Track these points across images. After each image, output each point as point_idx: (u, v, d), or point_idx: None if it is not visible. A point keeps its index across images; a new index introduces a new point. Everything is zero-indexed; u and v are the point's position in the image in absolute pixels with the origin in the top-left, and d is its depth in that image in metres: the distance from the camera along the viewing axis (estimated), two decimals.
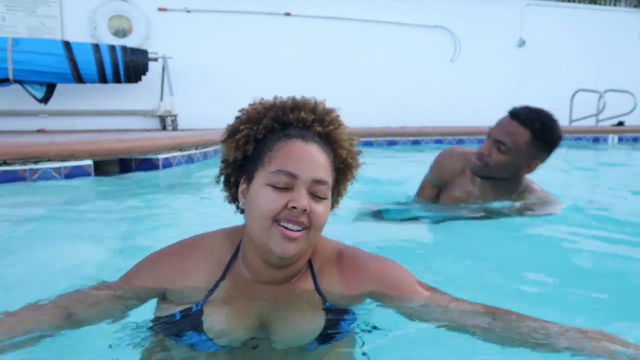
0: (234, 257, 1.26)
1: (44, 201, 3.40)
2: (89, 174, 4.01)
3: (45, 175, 3.80)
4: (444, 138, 8.10)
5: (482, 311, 1.21)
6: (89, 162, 4.04)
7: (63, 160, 3.91)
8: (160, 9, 7.70)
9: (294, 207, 1.11)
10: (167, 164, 4.62)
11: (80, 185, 3.85)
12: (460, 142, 8.16)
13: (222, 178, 1.29)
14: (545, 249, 2.36)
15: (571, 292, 1.78)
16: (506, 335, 1.14)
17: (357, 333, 1.26)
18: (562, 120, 10.57)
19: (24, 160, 3.76)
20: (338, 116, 1.24)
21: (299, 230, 1.12)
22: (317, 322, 1.22)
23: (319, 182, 1.14)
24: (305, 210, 1.11)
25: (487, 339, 1.15)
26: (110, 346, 1.23)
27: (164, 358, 1.18)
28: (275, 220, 1.12)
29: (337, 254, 1.30)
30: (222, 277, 1.23)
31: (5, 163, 3.69)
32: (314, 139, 1.18)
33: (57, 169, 3.86)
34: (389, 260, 1.31)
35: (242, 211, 1.25)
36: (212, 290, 1.22)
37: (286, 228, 1.11)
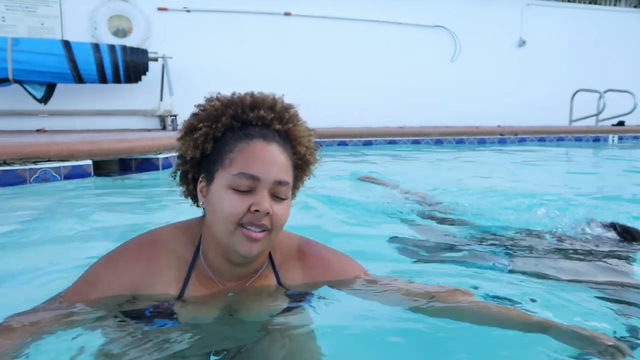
0: (196, 255, 1.24)
1: (44, 201, 3.40)
2: (88, 174, 4.01)
3: (45, 175, 3.80)
4: (444, 138, 8.10)
5: (427, 290, 1.28)
6: (89, 162, 4.04)
7: (63, 160, 3.91)
8: (160, 9, 7.70)
9: (256, 211, 1.11)
10: (167, 164, 4.62)
11: (80, 185, 3.85)
12: (460, 142, 8.16)
13: (179, 173, 1.28)
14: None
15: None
16: (443, 312, 1.25)
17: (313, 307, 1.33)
18: (562, 121, 10.55)
19: (24, 160, 3.75)
20: (297, 112, 1.24)
21: (262, 232, 1.13)
22: (280, 305, 1.28)
23: (280, 183, 1.15)
24: (268, 213, 1.12)
25: (426, 314, 1.25)
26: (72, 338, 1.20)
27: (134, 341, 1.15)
28: (240, 224, 1.13)
29: (297, 248, 1.33)
30: (188, 277, 1.22)
31: (5, 163, 3.69)
32: (274, 139, 1.17)
33: (57, 169, 3.86)
34: (342, 253, 1.40)
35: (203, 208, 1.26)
36: (182, 291, 1.21)
37: (249, 230, 1.13)
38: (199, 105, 1.22)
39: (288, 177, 1.18)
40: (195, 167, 1.23)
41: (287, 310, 1.27)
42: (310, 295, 1.32)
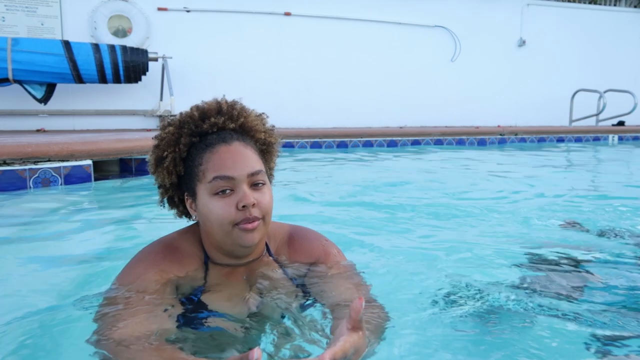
0: (205, 254, 1.35)
1: (44, 201, 3.40)
2: (88, 174, 4.01)
3: (45, 175, 3.80)
4: (444, 138, 8.10)
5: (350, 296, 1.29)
6: (89, 162, 4.03)
7: (63, 160, 3.91)
8: (160, 9, 7.70)
9: (243, 206, 1.21)
10: None
11: (79, 185, 3.85)
12: (460, 142, 8.16)
13: (166, 201, 1.38)
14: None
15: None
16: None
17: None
18: (562, 121, 10.57)
19: (24, 160, 3.75)
20: (242, 105, 1.34)
21: (255, 221, 1.23)
22: (282, 281, 1.38)
23: (253, 174, 1.24)
24: (254, 204, 1.21)
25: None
26: None
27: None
28: (235, 224, 1.22)
29: (288, 235, 1.45)
30: (207, 269, 1.34)
31: (5, 163, 3.69)
32: (233, 138, 1.26)
33: (57, 169, 3.86)
34: (326, 238, 1.48)
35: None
36: (205, 282, 1.31)
37: (244, 224, 1.22)
38: (156, 137, 1.32)
39: (258, 165, 1.27)
40: (177, 189, 1.33)
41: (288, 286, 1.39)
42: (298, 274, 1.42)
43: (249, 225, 1.22)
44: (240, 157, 1.24)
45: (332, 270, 1.40)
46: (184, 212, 1.38)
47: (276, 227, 1.45)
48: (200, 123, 1.27)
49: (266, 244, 1.42)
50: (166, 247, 1.33)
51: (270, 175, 1.40)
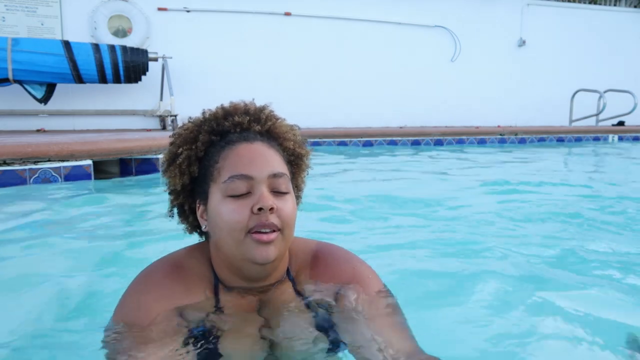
0: (215, 275, 1.16)
1: (43, 201, 3.39)
2: (88, 174, 4.00)
3: (45, 176, 3.80)
4: (444, 138, 8.10)
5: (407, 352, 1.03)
6: (89, 162, 4.03)
7: (63, 160, 3.90)
8: (160, 9, 7.70)
9: (260, 209, 1.03)
10: None
11: (79, 185, 3.85)
12: (460, 142, 8.16)
13: (176, 210, 1.20)
14: None
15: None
16: None
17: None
18: (562, 121, 10.56)
19: (24, 160, 3.75)
20: (272, 111, 1.19)
21: (272, 232, 1.04)
22: (300, 317, 1.15)
23: (276, 175, 1.07)
24: (272, 208, 1.04)
25: None
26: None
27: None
28: (248, 231, 1.04)
29: (312, 253, 1.22)
30: (217, 294, 1.15)
31: (5, 163, 3.69)
32: (257, 138, 1.12)
33: (57, 169, 3.86)
34: (361, 260, 1.24)
35: (206, 235, 1.17)
36: (216, 308, 1.13)
37: (260, 233, 1.04)
38: (172, 134, 1.19)
39: (282, 168, 1.10)
40: (188, 196, 1.17)
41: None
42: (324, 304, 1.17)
43: (264, 237, 1.03)
44: (262, 156, 1.09)
45: (364, 302, 1.14)
46: (194, 226, 1.20)
47: (300, 244, 1.22)
48: (222, 121, 1.13)
49: (287, 270, 1.19)
50: (172, 269, 1.14)
51: (297, 197, 1.20)
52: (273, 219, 1.04)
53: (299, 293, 1.18)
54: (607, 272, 2.01)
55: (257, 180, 1.06)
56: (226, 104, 1.18)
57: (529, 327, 1.48)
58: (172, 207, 1.20)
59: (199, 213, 1.15)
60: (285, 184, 1.09)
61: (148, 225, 2.81)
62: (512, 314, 1.57)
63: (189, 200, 1.17)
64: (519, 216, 2.97)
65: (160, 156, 4.57)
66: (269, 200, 1.04)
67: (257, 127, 1.14)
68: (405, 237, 2.54)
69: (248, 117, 1.14)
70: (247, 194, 1.05)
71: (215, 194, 1.08)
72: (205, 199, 1.11)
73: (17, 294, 1.77)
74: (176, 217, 1.21)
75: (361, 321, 1.10)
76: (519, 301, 1.65)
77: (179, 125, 1.21)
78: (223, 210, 1.05)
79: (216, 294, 1.14)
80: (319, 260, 1.21)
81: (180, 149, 1.13)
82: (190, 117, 1.19)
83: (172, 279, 1.12)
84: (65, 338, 1.45)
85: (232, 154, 1.08)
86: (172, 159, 1.15)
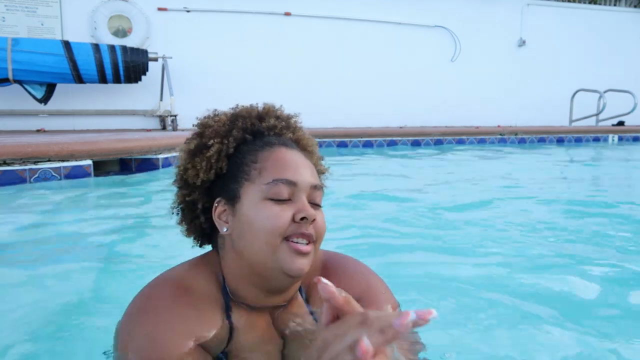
0: (225, 292, 1.07)
1: (43, 201, 3.40)
2: (88, 174, 4.00)
3: (45, 175, 3.80)
4: (444, 138, 8.10)
5: None
6: (89, 162, 4.03)
7: (63, 160, 3.90)
8: (160, 9, 7.70)
9: (302, 218, 0.98)
10: (167, 164, 4.62)
11: (79, 185, 3.85)
12: (460, 142, 8.16)
13: (181, 207, 1.11)
14: None
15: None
16: None
17: None
18: (562, 121, 10.54)
19: (24, 160, 3.75)
20: (300, 121, 1.16)
21: (308, 244, 1.00)
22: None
23: (316, 187, 1.04)
24: (313, 220, 1.00)
25: None
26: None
27: None
28: (285, 237, 0.98)
29: (322, 264, 1.16)
30: (229, 316, 1.05)
31: (5, 163, 3.69)
32: (293, 146, 1.08)
33: (57, 169, 3.86)
34: (373, 273, 1.19)
35: (213, 242, 1.10)
36: (230, 333, 1.04)
37: (297, 243, 0.98)
38: (198, 124, 1.11)
39: (319, 181, 1.07)
40: (205, 193, 1.08)
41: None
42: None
43: (302, 247, 0.98)
44: (304, 165, 1.05)
45: None
46: (200, 228, 1.10)
47: None
48: (257, 121, 1.09)
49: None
50: (179, 292, 1.03)
51: None
52: (310, 230, 1.00)
53: (310, 308, 1.12)
54: (608, 272, 2.00)
55: (299, 187, 1.01)
56: (259, 104, 1.13)
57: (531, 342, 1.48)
58: (180, 203, 1.11)
59: (216, 213, 1.06)
60: (321, 197, 1.06)
61: (148, 225, 2.81)
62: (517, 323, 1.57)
63: (204, 199, 1.08)
64: (519, 216, 2.97)
65: (160, 156, 4.58)
66: (312, 210, 1.00)
67: (289, 135, 1.11)
68: (406, 237, 2.54)
69: (283, 122, 1.11)
70: (288, 200, 1.00)
71: (252, 196, 1.01)
72: (233, 199, 1.04)
73: (17, 293, 1.77)
74: (175, 216, 1.13)
75: None
76: (519, 301, 1.65)
77: (206, 116, 1.12)
78: (262, 213, 0.99)
79: (228, 315, 1.05)
80: (330, 272, 1.14)
81: (211, 141, 1.06)
82: (215, 110, 1.13)
83: (182, 304, 1.01)
84: (66, 337, 1.45)
85: (273, 157, 1.03)
86: (198, 150, 1.07)
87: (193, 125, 1.13)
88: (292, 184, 1.01)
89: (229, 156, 1.06)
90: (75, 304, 1.69)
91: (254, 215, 0.99)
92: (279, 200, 0.99)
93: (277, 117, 1.11)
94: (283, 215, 0.98)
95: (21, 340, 1.41)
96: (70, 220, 2.88)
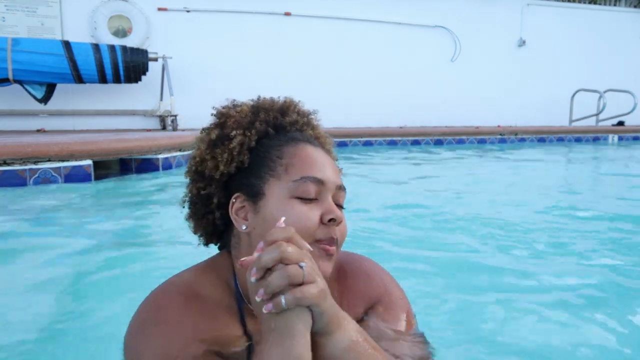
0: (238, 298, 1.00)
1: (43, 201, 3.40)
2: (88, 174, 4.01)
3: (45, 175, 3.80)
4: (444, 138, 8.10)
5: None
6: (89, 162, 4.03)
7: (63, 160, 3.91)
8: (160, 9, 7.70)
9: (330, 220, 0.94)
10: (167, 164, 4.63)
11: (79, 185, 3.85)
12: (460, 142, 8.16)
13: (193, 199, 1.04)
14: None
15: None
16: None
17: None
18: (562, 121, 10.54)
19: (24, 160, 3.75)
20: (318, 118, 1.13)
21: (333, 246, 0.95)
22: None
23: (341, 187, 1.00)
24: (340, 222, 0.95)
25: None
26: None
27: None
28: (316, 240, 0.93)
29: (338, 266, 1.07)
30: (243, 322, 0.98)
31: (5, 163, 3.69)
32: (317, 143, 1.04)
33: (57, 169, 3.86)
34: (391, 277, 1.14)
35: (223, 241, 1.05)
36: (247, 338, 0.97)
37: (327, 245, 0.94)
38: (217, 114, 1.06)
39: (342, 182, 1.03)
40: (222, 187, 1.01)
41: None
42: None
43: (330, 248, 0.94)
44: (329, 164, 1.00)
45: (392, 326, 1.03)
46: (211, 225, 1.04)
47: None
48: (279, 115, 1.04)
49: None
50: (190, 299, 0.96)
51: None
52: (337, 233, 0.96)
53: None
54: (610, 273, 2.01)
55: (327, 187, 0.97)
56: (280, 97, 1.09)
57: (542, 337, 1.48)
58: (193, 196, 1.04)
59: (233, 209, 0.99)
60: (344, 198, 1.02)
61: (148, 225, 2.81)
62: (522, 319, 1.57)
63: (220, 193, 1.01)
64: (519, 216, 2.97)
65: (160, 156, 4.59)
66: (340, 212, 0.96)
67: (310, 132, 1.07)
68: (406, 237, 2.54)
69: (305, 118, 1.08)
70: (314, 200, 0.95)
71: (277, 192, 0.96)
72: (255, 195, 0.97)
73: (17, 293, 1.77)
74: (180, 213, 1.08)
75: (383, 344, 0.94)
76: (520, 299, 1.65)
77: (226, 104, 1.08)
78: (291, 211, 0.93)
79: (243, 322, 0.98)
80: (347, 273, 1.09)
81: (234, 132, 1.00)
82: (233, 99, 1.08)
83: (194, 312, 0.94)
84: (66, 337, 1.45)
85: (300, 153, 0.99)
86: (219, 141, 1.01)
87: (211, 115, 1.07)
88: (320, 182, 0.96)
89: (250, 149, 1.00)
90: (75, 304, 1.69)
91: (282, 214, 0.92)
92: (305, 199, 0.95)
93: (299, 113, 1.07)
94: (312, 215, 0.94)
95: (21, 342, 1.41)
96: (70, 221, 2.88)
